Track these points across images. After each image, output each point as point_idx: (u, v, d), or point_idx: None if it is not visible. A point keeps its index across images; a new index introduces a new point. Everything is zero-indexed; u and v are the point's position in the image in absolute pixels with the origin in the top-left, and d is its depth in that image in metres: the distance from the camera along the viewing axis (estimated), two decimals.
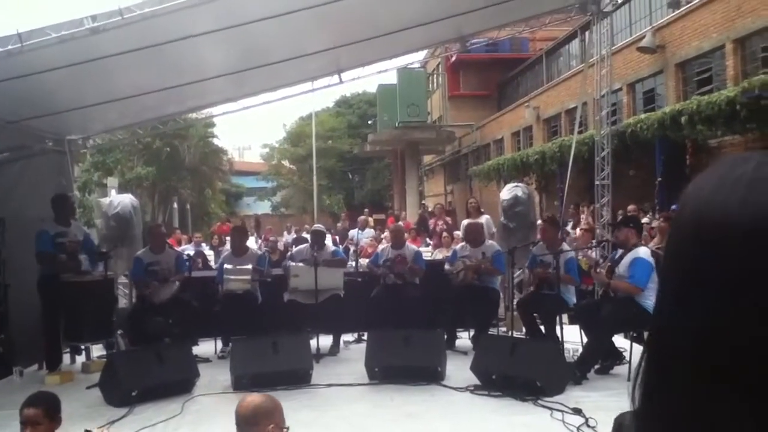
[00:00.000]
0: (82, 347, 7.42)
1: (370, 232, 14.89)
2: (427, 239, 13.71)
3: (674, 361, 0.57)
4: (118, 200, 8.62)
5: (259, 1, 5.71)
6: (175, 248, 9.60)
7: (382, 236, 13.94)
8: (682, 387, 0.56)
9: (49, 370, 6.87)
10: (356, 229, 14.63)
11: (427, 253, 10.73)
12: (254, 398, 2.73)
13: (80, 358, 7.41)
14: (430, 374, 6.01)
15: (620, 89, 16.29)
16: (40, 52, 5.29)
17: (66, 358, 7.35)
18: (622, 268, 5.91)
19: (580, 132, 12.62)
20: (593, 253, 8.48)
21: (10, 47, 5.09)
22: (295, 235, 17.38)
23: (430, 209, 18.60)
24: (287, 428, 2.70)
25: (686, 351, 0.55)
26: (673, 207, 10.05)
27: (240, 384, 5.82)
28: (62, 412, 3.41)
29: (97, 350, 7.53)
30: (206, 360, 7.14)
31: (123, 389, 5.57)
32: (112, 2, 5.13)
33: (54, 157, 8.70)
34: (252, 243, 11.65)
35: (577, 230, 10.92)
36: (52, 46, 5.23)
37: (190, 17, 5.54)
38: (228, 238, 13.20)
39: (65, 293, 6.87)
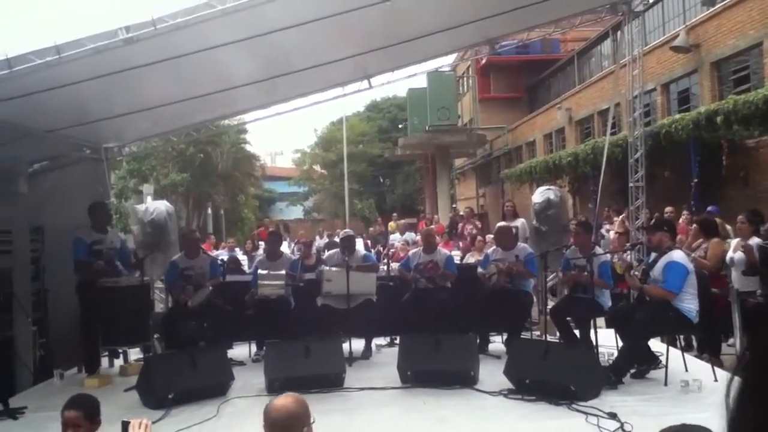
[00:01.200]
0: (120, 351, 7.57)
1: (410, 235, 14.93)
2: (459, 243, 13.66)
3: None
4: (154, 207, 8.77)
5: (284, 12, 5.76)
6: (209, 253, 9.72)
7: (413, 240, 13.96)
8: None
9: (88, 373, 7.02)
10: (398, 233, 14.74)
11: (456, 256, 10.69)
12: (285, 403, 2.70)
13: (118, 362, 7.56)
14: (462, 378, 5.98)
15: (654, 89, 16.06)
16: (77, 63, 5.41)
17: (104, 361, 7.50)
18: (656, 272, 5.82)
19: (613, 133, 12.49)
20: (627, 257, 8.37)
21: (48, 59, 5.23)
22: (327, 240, 17.48)
23: (460, 213, 18.56)
24: (313, 421, 2.71)
25: None
26: (709, 208, 9.87)
27: (273, 387, 5.87)
28: (101, 414, 3.49)
29: (134, 354, 7.67)
30: (240, 363, 7.23)
31: (159, 392, 5.66)
32: (144, 13, 5.25)
33: (91, 165, 8.90)
34: (284, 247, 11.75)
35: (611, 233, 10.80)
36: (87, 57, 5.36)
37: (218, 27, 5.63)
38: (261, 243, 13.35)
39: (103, 298, 7.00)
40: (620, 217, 10.93)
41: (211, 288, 7.45)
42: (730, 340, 7.16)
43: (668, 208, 10.79)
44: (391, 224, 18.83)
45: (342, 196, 33.97)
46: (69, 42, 5.24)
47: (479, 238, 11.71)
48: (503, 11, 7.66)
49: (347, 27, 6.71)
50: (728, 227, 8.19)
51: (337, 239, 14.42)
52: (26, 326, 6.85)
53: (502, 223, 8.87)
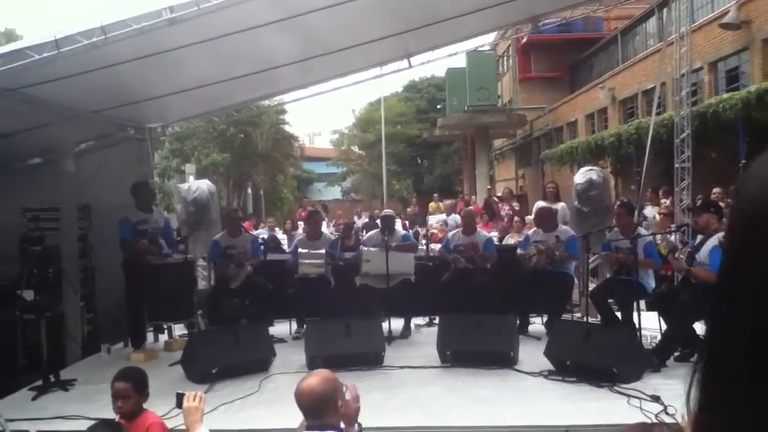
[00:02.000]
0: (165, 326, 7.75)
1: (441, 216, 14.87)
2: (498, 224, 13.58)
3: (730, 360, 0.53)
4: (196, 186, 8.90)
5: None
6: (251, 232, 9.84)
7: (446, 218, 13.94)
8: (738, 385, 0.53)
9: (134, 348, 7.21)
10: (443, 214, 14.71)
11: (494, 237, 10.62)
12: (311, 385, 2.65)
13: (163, 337, 7.75)
14: (502, 359, 5.97)
15: (701, 68, 15.60)
16: (121, 44, 5.49)
17: (150, 336, 7.68)
18: (702, 254, 5.70)
19: (658, 113, 12.19)
20: (672, 238, 8.21)
21: (94, 39, 5.31)
22: (366, 220, 17.53)
23: (498, 194, 18.41)
24: (346, 387, 2.72)
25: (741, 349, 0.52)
26: None
27: (314, 364, 5.92)
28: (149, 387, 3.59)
29: (179, 330, 7.84)
30: (281, 340, 7.33)
31: (203, 367, 5.79)
32: None
33: (135, 145, 9.06)
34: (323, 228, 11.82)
35: (656, 215, 10.59)
36: (132, 38, 5.43)
37: (259, 7, 5.65)
38: (300, 223, 13.47)
39: (148, 275, 7.17)
40: (667, 198, 10.72)
41: (250, 267, 7.54)
42: None
43: (716, 189, 10.52)
44: (432, 204, 18.75)
45: (380, 176, 33.94)
46: (114, 23, 5.32)
47: (516, 219, 11.60)
48: None
49: (389, 5, 6.66)
50: None
51: (376, 220, 14.47)
52: (75, 302, 7.05)
53: (542, 204, 8.76)
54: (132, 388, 3.45)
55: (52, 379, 5.87)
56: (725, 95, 13.30)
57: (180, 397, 3.00)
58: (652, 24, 22.73)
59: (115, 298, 7.58)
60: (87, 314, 7.49)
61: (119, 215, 7.31)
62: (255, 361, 6.08)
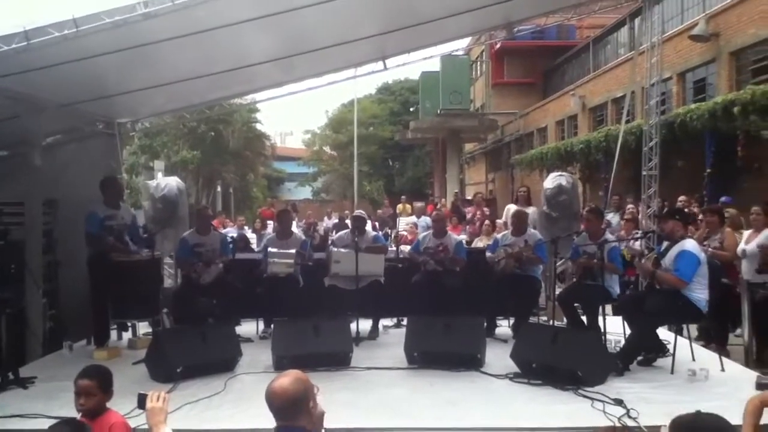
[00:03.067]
0: (129, 324, 7.63)
1: (410, 219, 14.89)
2: (467, 227, 13.64)
3: None
4: (165, 182, 8.78)
5: None
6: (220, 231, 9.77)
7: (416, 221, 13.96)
8: None
9: (97, 346, 7.09)
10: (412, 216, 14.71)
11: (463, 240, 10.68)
12: (283, 386, 2.59)
13: (127, 335, 7.63)
14: (469, 361, 6.00)
15: (670, 78, 15.90)
16: (93, 37, 5.40)
17: (113, 334, 7.57)
18: (668, 260, 5.80)
19: (627, 121, 12.39)
20: (637, 244, 8.35)
21: (66, 32, 5.22)
22: (336, 221, 17.50)
23: (468, 198, 18.50)
24: (317, 390, 2.70)
25: None
26: (723, 199, 9.81)
27: (281, 364, 5.90)
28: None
29: (144, 328, 7.73)
30: (248, 340, 7.27)
31: (168, 366, 5.71)
32: None
33: (104, 140, 8.92)
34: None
35: (615, 219, 10.75)
36: (105, 32, 5.35)
37: (237, 3, 5.61)
38: (270, 222, 13.40)
39: (114, 272, 7.05)
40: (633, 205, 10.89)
41: (221, 265, 7.48)
42: (738, 331, 7.14)
43: (682, 197, 10.74)
44: (400, 206, 18.79)
45: (351, 177, 33.94)
46: (87, 15, 5.23)
47: (486, 222, 11.68)
48: None
49: (370, 6, 6.67)
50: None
51: (346, 221, 14.46)
52: (37, 297, 6.90)
53: (516, 207, 8.85)
54: (96, 386, 3.40)
55: (11, 376, 5.74)
56: (693, 105, 13.59)
57: (142, 398, 2.95)
58: (623, 33, 23.11)
59: (79, 295, 7.45)
60: (50, 310, 7.34)
61: (86, 210, 7.19)
62: (221, 361, 6.02)
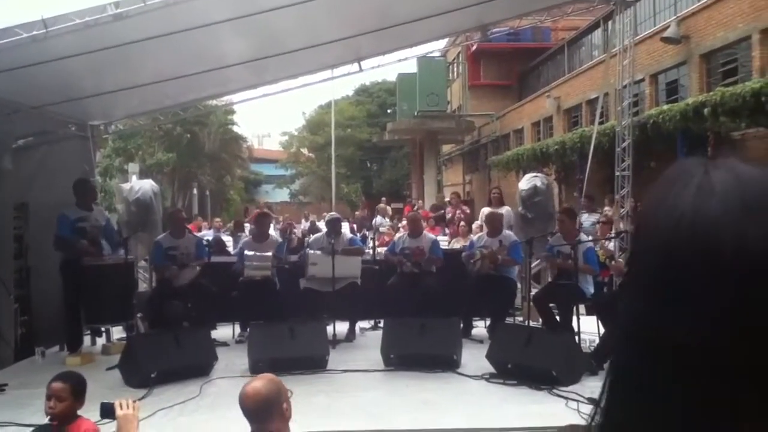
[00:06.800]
0: (103, 329, 7.54)
1: (387, 220, 14.91)
2: (445, 228, 13.69)
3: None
4: (139, 185, 8.71)
5: None
6: (195, 233, 9.69)
7: (399, 225, 13.93)
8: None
9: (70, 352, 6.99)
10: (381, 217, 14.60)
11: (444, 242, 10.72)
12: (256, 388, 2.61)
13: (100, 341, 7.54)
14: (445, 362, 6.03)
15: (643, 80, 16.10)
16: (64, 39, 5.34)
17: (87, 340, 7.47)
18: None
19: (601, 123, 12.52)
20: (611, 245, 8.44)
21: (35, 32, 5.14)
22: (309, 224, 17.43)
23: (447, 199, 18.52)
24: (291, 394, 2.70)
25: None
26: None
27: (257, 368, 5.87)
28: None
29: (117, 333, 7.65)
30: (224, 344, 7.23)
31: (142, 371, 5.66)
32: None
33: (77, 143, 8.80)
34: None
35: (589, 221, 10.84)
36: (75, 33, 5.28)
37: (210, 5, 5.58)
38: (247, 225, 13.31)
39: (86, 276, 6.97)
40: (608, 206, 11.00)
41: (198, 268, 7.43)
42: None
43: None
44: (386, 207, 18.74)
45: (329, 179, 33.86)
46: (57, 16, 5.17)
47: (462, 224, 11.73)
48: None
49: (342, 8, 6.67)
50: None
51: (320, 223, 14.42)
52: (8, 303, 6.80)
53: (489, 209, 8.90)
54: (69, 391, 3.35)
55: None
56: (665, 107, 13.76)
57: (106, 408, 2.89)
58: (597, 36, 23.34)
59: (52, 300, 7.34)
60: (21, 316, 7.22)
61: (59, 213, 7.09)
62: (196, 365, 5.98)
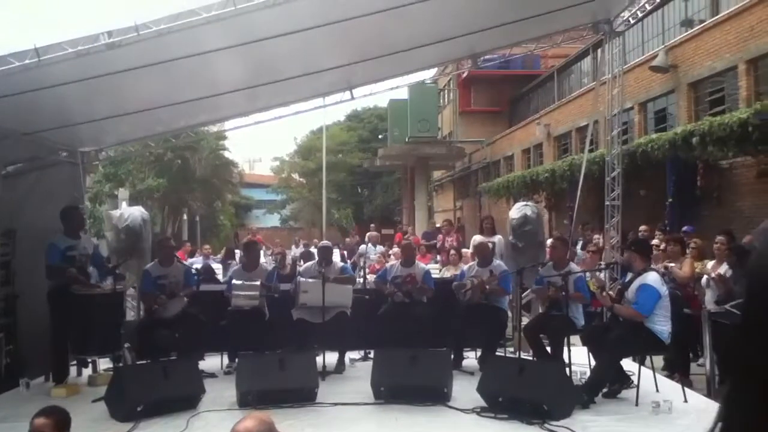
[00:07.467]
0: (89, 360, 7.42)
1: (379, 248, 14.85)
2: (437, 256, 13.66)
3: None
4: (129, 213, 8.65)
5: (271, 19, 5.74)
6: (184, 262, 9.62)
7: (391, 252, 13.88)
8: None
9: (55, 383, 6.89)
10: (368, 244, 14.50)
11: (435, 270, 10.68)
12: (249, 428, 2.61)
13: (87, 371, 7.42)
14: (436, 395, 5.97)
15: (631, 108, 16.26)
16: (56, 67, 5.34)
17: (73, 370, 7.36)
18: (630, 292, 5.88)
19: (590, 150, 12.59)
20: (601, 275, 8.43)
21: (27, 61, 5.15)
22: (303, 249, 17.35)
23: (438, 225, 18.52)
24: None
25: None
26: (685, 228, 9.98)
27: (245, 401, 5.81)
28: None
29: (104, 363, 7.53)
30: (212, 375, 7.13)
31: (128, 404, 5.57)
32: (128, 19, 5.20)
33: (67, 169, 8.75)
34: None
35: (580, 251, 10.87)
36: (67, 61, 5.29)
37: (204, 34, 5.59)
38: (237, 252, 13.22)
39: (74, 305, 6.88)
40: (597, 234, 11.03)
41: (185, 299, 7.36)
42: (700, 360, 7.23)
43: (642, 227, 10.91)
44: (378, 234, 18.68)
45: (320, 204, 33.88)
46: (49, 45, 5.17)
47: (453, 252, 11.71)
48: (491, 26, 7.71)
49: (336, 37, 6.71)
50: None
51: (312, 249, 14.34)
52: None
53: (480, 238, 8.89)
54: (52, 425, 3.30)
55: None
56: (654, 135, 13.88)
57: None
58: (587, 63, 23.60)
59: (38, 329, 7.23)
60: (6, 346, 7.11)
61: (47, 241, 7.02)
62: (183, 398, 5.88)
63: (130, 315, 8.45)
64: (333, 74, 8.12)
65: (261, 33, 5.94)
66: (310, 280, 7.56)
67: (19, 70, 5.19)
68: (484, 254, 7.86)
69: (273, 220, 44.62)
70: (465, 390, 6.12)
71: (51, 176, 8.26)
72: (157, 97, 7.45)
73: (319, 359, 6.87)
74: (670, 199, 12.78)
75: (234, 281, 7.56)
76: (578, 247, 11.40)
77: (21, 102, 5.86)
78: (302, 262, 11.48)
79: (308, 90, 8.91)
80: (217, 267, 12.84)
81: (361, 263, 10.48)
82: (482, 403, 5.74)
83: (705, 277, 7.03)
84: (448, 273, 10.26)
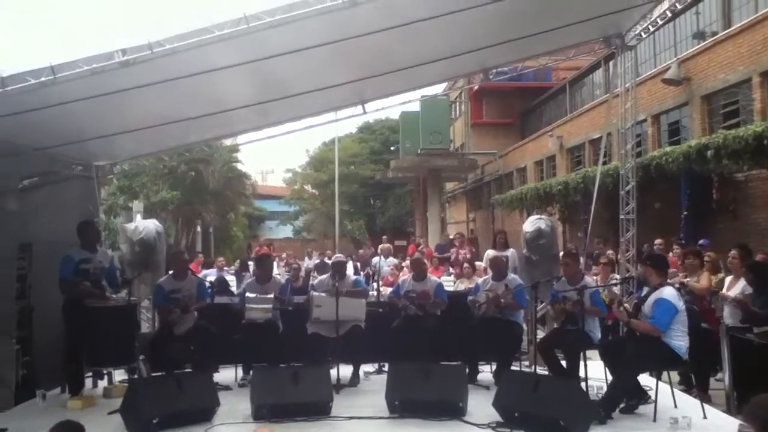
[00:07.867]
0: (105, 372, 7.45)
1: (391, 260, 14.82)
2: (450, 268, 13.61)
3: None
4: (143, 226, 8.71)
5: (282, 37, 5.78)
6: (197, 274, 9.65)
7: (404, 264, 13.84)
8: None
9: (71, 394, 6.92)
10: (380, 257, 14.48)
11: (449, 283, 10.66)
12: None
13: (102, 383, 7.45)
14: (451, 409, 5.93)
15: (645, 120, 16.20)
16: (71, 84, 5.41)
17: (88, 382, 7.39)
18: (646, 307, 5.83)
19: (604, 163, 12.55)
20: (616, 289, 8.38)
21: (43, 79, 5.22)
22: (317, 260, 17.35)
23: (451, 237, 18.46)
24: None
25: None
26: (701, 242, 9.90)
27: (260, 414, 5.81)
28: None
29: (119, 375, 7.56)
30: (226, 388, 7.14)
31: (144, 417, 5.57)
32: (141, 37, 5.27)
33: (81, 183, 8.83)
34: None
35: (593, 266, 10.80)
36: (82, 78, 5.36)
37: (216, 51, 5.64)
38: (250, 263, 13.26)
39: (89, 318, 6.90)
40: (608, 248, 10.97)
41: (196, 313, 7.39)
42: (719, 375, 7.14)
43: (658, 240, 10.84)
44: (390, 246, 18.63)
45: (332, 216, 33.95)
46: (65, 63, 5.24)
47: (466, 265, 11.67)
48: (501, 42, 7.72)
49: (347, 53, 6.74)
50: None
51: (327, 260, 14.32)
52: (8, 345, 6.75)
53: (493, 253, 8.88)
54: None
55: None
56: (668, 148, 13.81)
57: None
58: (599, 75, 23.58)
59: (54, 341, 7.27)
60: (23, 358, 7.15)
61: (62, 254, 7.07)
62: (198, 410, 5.88)
63: (145, 327, 8.48)
64: (344, 89, 8.17)
65: (272, 50, 5.99)
66: (323, 294, 7.56)
67: (34, 88, 5.27)
68: (499, 268, 7.84)
69: (286, 232, 44.73)
70: (480, 404, 6.08)
71: (66, 190, 8.34)
72: (168, 113, 7.51)
73: (333, 372, 6.87)
74: (685, 212, 12.70)
75: (248, 294, 7.57)
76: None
77: (35, 118, 5.92)
78: (316, 273, 11.48)
79: (320, 105, 8.97)
80: (231, 279, 12.88)
81: (374, 276, 10.49)
82: (498, 418, 5.70)
83: (722, 293, 6.95)
84: (462, 286, 10.24)
